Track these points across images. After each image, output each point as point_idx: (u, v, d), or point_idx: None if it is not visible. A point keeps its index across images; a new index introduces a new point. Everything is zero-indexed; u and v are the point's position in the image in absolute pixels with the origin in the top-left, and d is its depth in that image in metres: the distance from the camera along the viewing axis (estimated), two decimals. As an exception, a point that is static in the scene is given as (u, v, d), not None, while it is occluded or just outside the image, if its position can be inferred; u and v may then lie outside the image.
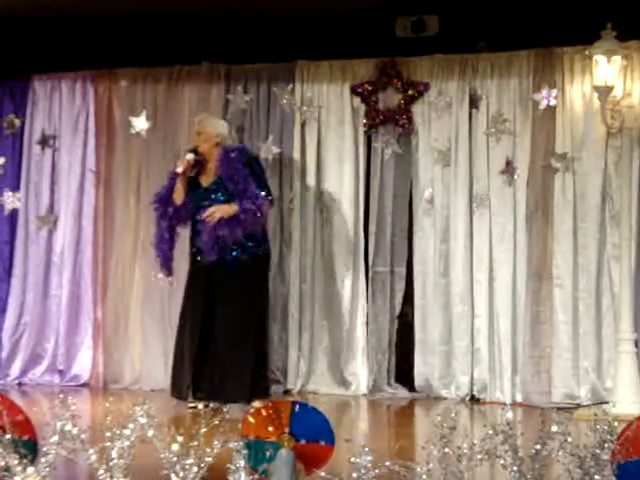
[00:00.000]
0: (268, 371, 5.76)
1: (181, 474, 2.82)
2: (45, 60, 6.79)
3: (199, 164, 5.57)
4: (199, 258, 5.44)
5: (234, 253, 5.36)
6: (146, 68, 6.64)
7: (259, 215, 5.34)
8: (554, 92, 5.93)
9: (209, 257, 5.34)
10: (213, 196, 5.43)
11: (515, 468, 2.71)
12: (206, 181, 5.53)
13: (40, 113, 6.77)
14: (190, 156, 5.52)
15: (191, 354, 5.45)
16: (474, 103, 6.16)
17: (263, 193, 5.40)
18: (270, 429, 3.31)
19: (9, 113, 6.80)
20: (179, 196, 5.52)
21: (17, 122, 6.79)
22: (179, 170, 5.49)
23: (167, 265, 5.60)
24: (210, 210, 5.34)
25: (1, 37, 6.92)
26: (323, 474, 2.97)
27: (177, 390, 5.53)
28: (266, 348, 5.70)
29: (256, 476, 3.04)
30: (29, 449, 3.06)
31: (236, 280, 5.37)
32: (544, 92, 5.94)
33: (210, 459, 2.86)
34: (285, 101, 6.45)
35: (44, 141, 6.75)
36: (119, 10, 6.58)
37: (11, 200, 6.74)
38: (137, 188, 6.59)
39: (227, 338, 5.38)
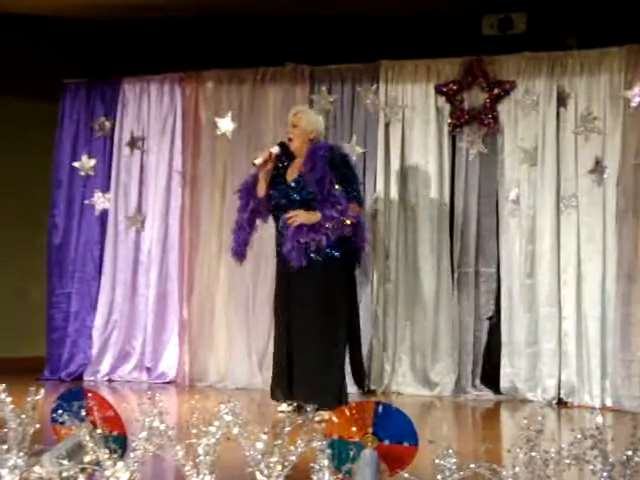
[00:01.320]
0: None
1: (266, 472, 2.84)
2: (134, 63, 6.95)
3: (287, 158, 5.26)
4: (283, 265, 5.18)
5: (310, 255, 5.05)
6: (231, 70, 6.73)
7: (343, 221, 5.01)
8: (646, 89, 5.78)
9: (295, 264, 5.05)
10: (292, 195, 5.12)
11: (605, 474, 2.64)
12: (290, 177, 5.21)
13: (129, 115, 6.92)
14: (275, 149, 5.21)
15: (282, 357, 5.25)
16: (562, 101, 6.04)
17: (347, 197, 5.06)
18: (354, 429, 3.30)
19: (100, 116, 6.96)
20: (261, 189, 5.22)
21: (107, 124, 6.95)
22: (257, 162, 5.16)
23: (238, 254, 5.32)
24: (292, 213, 5.07)
25: (93, 42, 7.12)
26: (406, 475, 2.95)
27: (272, 392, 5.33)
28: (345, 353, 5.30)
29: (339, 476, 3.03)
30: (119, 444, 3.12)
31: (310, 282, 5.06)
32: (636, 89, 5.79)
33: (294, 458, 2.87)
34: (369, 101, 6.44)
35: (133, 143, 6.89)
36: (205, 13, 6.68)
37: (102, 201, 6.91)
38: (222, 188, 6.67)
39: (302, 342, 5.11)
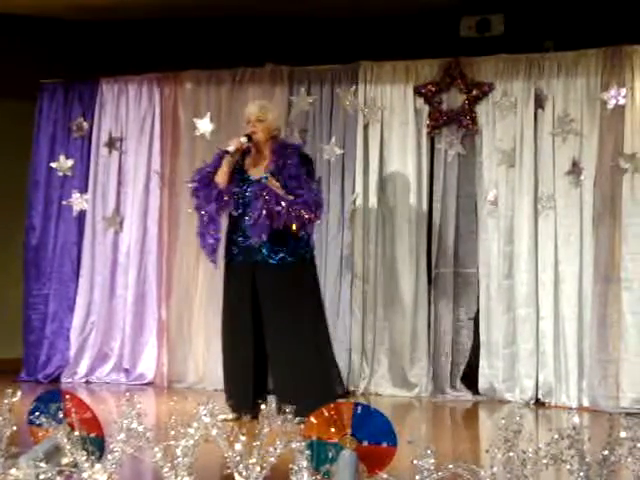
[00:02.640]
0: (330, 382, 5.22)
1: (244, 473, 2.84)
2: (112, 63, 6.92)
3: (247, 153, 5.11)
4: (239, 257, 5.01)
5: (280, 255, 4.94)
6: (210, 70, 6.71)
7: (314, 212, 4.88)
8: (623, 91, 5.81)
9: (255, 239, 4.85)
10: (262, 189, 4.92)
11: (582, 474, 2.66)
12: (256, 174, 5.04)
13: (107, 116, 6.88)
14: (244, 139, 5.04)
15: (248, 363, 5.03)
16: (540, 103, 6.08)
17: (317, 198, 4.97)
18: (332, 430, 3.31)
19: (78, 116, 6.92)
20: (223, 179, 5.00)
21: (85, 125, 6.91)
22: (231, 149, 4.98)
23: (214, 251, 5.07)
24: (269, 178, 4.90)
25: (71, 42, 7.08)
26: (385, 476, 2.96)
27: (236, 403, 5.00)
28: (324, 355, 5.18)
29: (318, 477, 3.04)
30: (96, 446, 3.11)
31: (282, 283, 4.95)
32: (613, 91, 5.83)
33: (273, 459, 2.87)
34: (348, 102, 6.44)
35: (111, 143, 6.86)
36: (183, 14, 6.67)
37: (79, 202, 6.87)
38: (201, 189, 6.64)
39: (278, 348, 4.95)
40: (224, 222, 5.17)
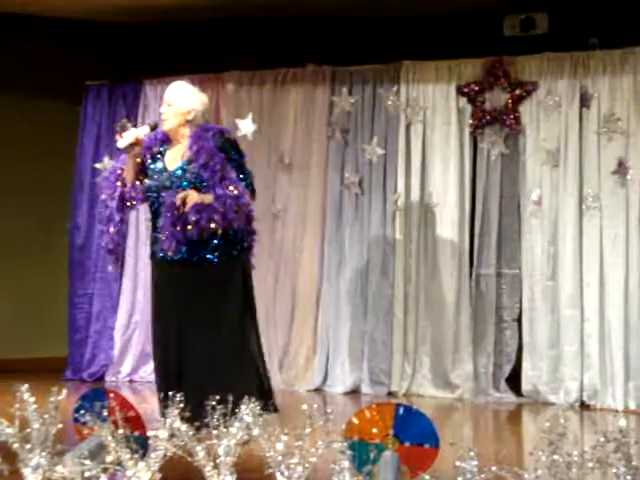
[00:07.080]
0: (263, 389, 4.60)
1: (286, 473, 2.84)
2: (156, 65, 6.98)
3: (163, 143, 4.63)
4: (161, 255, 4.54)
5: (202, 253, 4.47)
6: (252, 71, 6.74)
7: (242, 202, 4.41)
8: (670, 89, 5.73)
9: (168, 251, 4.42)
10: (178, 182, 4.48)
11: (629, 478, 2.62)
12: (172, 164, 4.56)
13: (151, 117, 6.91)
14: (144, 129, 4.59)
15: (172, 371, 4.55)
16: (585, 102, 6.00)
17: (243, 183, 4.50)
18: (374, 431, 3.29)
19: (122, 117, 6.99)
20: (128, 175, 4.56)
21: (129, 126, 6.95)
22: (121, 145, 4.50)
23: (115, 254, 4.64)
24: (181, 195, 4.36)
25: (115, 44, 7.16)
26: (428, 477, 2.94)
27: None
28: (256, 362, 4.64)
29: (360, 477, 3.03)
30: (140, 444, 3.13)
31: (201, 283, 4.49)
32: (660, 89, 5.75)
33: (314, 459, 2.86)
34: (390, 102, 6.42)
35: (154, 144, 6.90)
36: (226, 15, 6.70)
37: (123, 202, 6.93)
38: (243, 190, 6.66)
39: (193, 354, 4.47)
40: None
